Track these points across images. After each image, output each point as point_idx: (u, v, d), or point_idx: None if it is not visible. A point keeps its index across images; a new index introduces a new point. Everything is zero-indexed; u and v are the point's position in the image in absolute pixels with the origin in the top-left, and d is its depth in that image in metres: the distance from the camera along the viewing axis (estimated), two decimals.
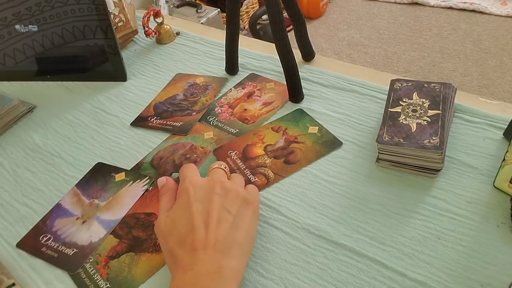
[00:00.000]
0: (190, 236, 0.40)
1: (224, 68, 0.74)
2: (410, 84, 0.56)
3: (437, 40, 2.13)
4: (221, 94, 0.70)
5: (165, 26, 0.86)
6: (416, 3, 2.46)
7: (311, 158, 0.55)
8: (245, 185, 0.48)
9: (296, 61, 0.62)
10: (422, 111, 0.52)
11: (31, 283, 0.47)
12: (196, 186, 0.45)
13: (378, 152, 0.51)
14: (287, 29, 0.59)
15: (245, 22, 2.32)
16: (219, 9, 2.05)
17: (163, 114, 0.68)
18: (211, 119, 0.65)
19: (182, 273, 0.39)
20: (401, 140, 0.49)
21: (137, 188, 0.55)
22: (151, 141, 0.63)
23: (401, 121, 0.51)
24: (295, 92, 0.64)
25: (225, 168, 0.49)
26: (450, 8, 2.36)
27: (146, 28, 0.84)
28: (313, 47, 0.72)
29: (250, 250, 0.44)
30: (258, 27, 2.21)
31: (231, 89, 0.71)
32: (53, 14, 0.74)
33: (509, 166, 0.45)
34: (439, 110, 0.51)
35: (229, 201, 0.44)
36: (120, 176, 0.58)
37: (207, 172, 0.50)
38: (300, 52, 0.71)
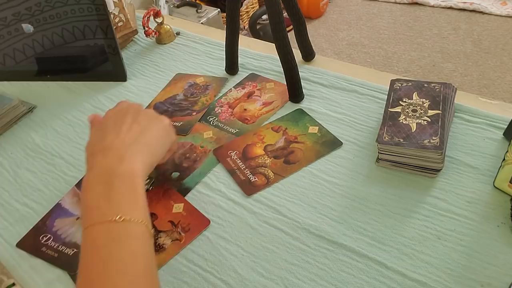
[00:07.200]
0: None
1: (224, 68, 0.74)
2: (410, 84, 0.56)
3: (437, 40, 2.13)
4: (221, 94, 0.70)
5: (165, 26, 0.86)
6: (416, 3, 2.46)
7: (311, 158, 0.55)
8: None
9: (296, 61, 0.62)
10: (422, 111, 0.52)
11: (31, 283, 0.47)
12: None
13: (378, 152, 0.51)
14: (287, 29, 0.59)
15: (245, 22, 2.31)
16: (219, 9, 2.04)
17: (163, 114, 0.68)
18: (211, 119, 0.65)
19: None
20: (401, 140, 0.49)
21: None
22: None
23: (401, 121, 0.51)
24: (295, 92, 0.64)
25: None
26: (450, 8, 2.36)
27: (146, 28, 0.84)
28: (313, 47, 0.72)
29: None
30: (258, 27, 2.20)
31: (231, 89, 0.71)
32: (53, 14, 0.74)
33: (509, 166, 0.45)
34: (439, 110, 0.51)
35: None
36: None
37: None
38: (300, 52, 0.71)
